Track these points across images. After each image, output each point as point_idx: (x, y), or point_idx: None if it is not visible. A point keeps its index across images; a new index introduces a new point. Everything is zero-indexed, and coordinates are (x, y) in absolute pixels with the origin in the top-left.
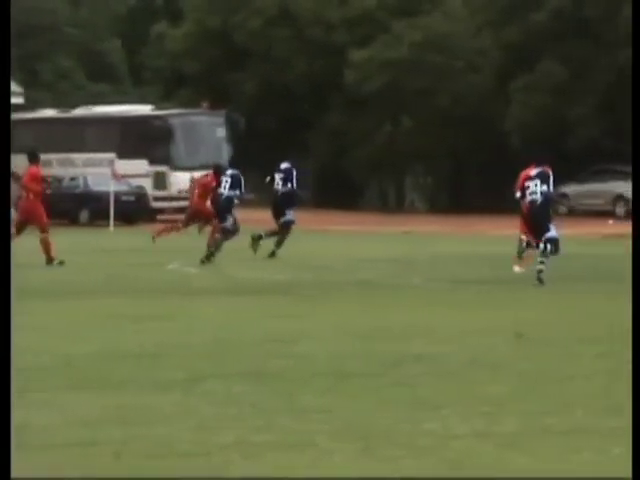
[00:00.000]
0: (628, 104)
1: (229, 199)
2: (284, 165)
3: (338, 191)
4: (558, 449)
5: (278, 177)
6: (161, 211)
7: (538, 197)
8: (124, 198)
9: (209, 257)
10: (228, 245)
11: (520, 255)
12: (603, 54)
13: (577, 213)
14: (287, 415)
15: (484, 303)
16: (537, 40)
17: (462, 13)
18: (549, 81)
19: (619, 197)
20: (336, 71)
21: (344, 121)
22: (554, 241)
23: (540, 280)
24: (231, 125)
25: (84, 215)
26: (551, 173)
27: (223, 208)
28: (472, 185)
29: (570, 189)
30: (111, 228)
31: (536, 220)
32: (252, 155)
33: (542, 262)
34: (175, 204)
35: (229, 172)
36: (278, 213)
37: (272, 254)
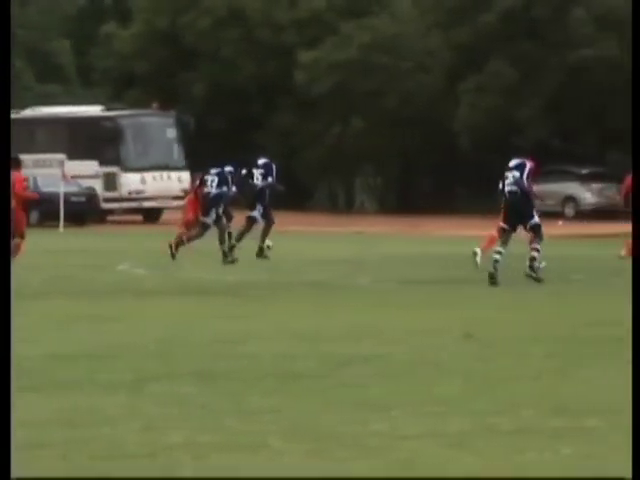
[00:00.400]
0: (576, 105)
1: (218, 196)
2: (262, 160)
3: (288, 192)
4: (504, 449)
5: (257, 173)
6: (111, 212)
7: (515, 188)
8: (74, 199)
9: (177, 246)
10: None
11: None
12: (552, 55)
13: None
14: (235, 416)
15: (433, 303)
16: (486, 41)
17: (411, 14)
18: (498, 82)
19: (569, 198)
20: (285, 72)
21: (294, 122)
22: (539, 227)
23: (535, 271)
24: (181, 126)
25: (34, 216)
26: (529, 164)
27: (209, 204)
28: (422, 186)
29: None
30: (61, 229)
31: (517, 209)
32: (202, 155)
33: (536, 249)
34: (125, 205)
35: (214, 171)
36: (251, 206)
37: (232, 248)
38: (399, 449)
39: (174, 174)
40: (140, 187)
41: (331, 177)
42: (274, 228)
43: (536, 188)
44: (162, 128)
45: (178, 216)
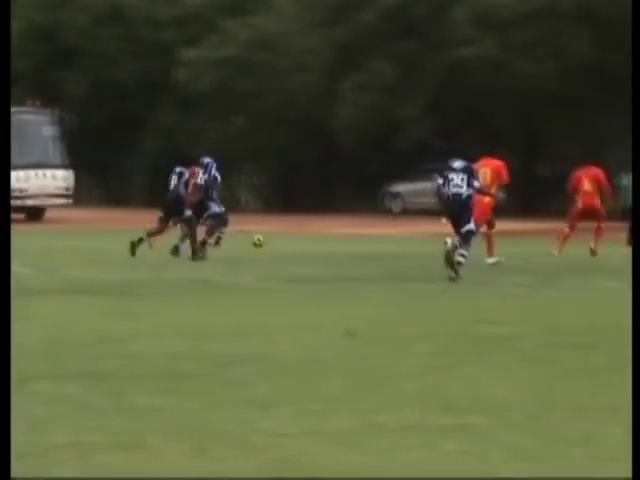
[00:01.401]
0: (456, 103)
1: (180, 196)
2: (206, 160)
3: None
4: (389, 446)
5: (200, 172)
6: None
7: (463, 191)
8: None
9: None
10: (64, 244)
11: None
12: (432, 54)
13: (410, 212)
14: (119, 415)
15: (318, 301)
16: (366, 40)
17: (291, 12)
18: (378, 80)
19: None
20: (167, 70)
21: (175, 120)
22: (471, 234)
23: (457, 272)
24: (62, 124)
25: None
26: (475, 168)
27: (176, 206)
28: (304, 184)
29: (402, 188)
30: None
31: (457, 211)
32: (83, 154)
33: (462, 255)
34: None
35: (177, 170)
36: (202, 208)
37: (203, 243)
38: (282, 447)
39: (56, 172)
40: (22, 185)
41: None
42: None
43: (420, 187)
44: (43, 126)
45: (60, 214)
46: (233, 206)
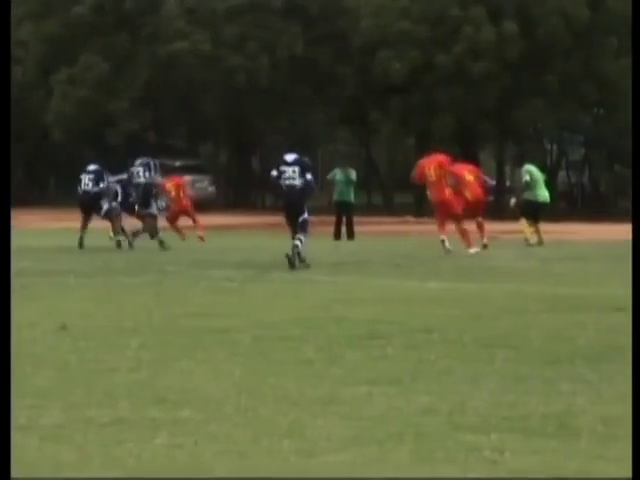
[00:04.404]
0: (168, 98)
1: (97, 194)
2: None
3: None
4: (102, 440)
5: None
6: None
7: (297, 182)
8: None
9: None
10: None
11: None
12: (143, 48)
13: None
14: None
15: (29, 296)
16: (78, 33)
17: None
18: (90, 74)
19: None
20: None
21: None
22: (307, 223)
23: (303, 260)
24: None
25: None
26: (309, 161)
27: (92, 205)
28: (15, 178)
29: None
30: None
31: (292, 202)
32: None
33: (300, 240)
34: None
35: (91, 168)
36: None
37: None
38: None
39: None
40: None
41: None
42: None
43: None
44: None
45: None
46: None
